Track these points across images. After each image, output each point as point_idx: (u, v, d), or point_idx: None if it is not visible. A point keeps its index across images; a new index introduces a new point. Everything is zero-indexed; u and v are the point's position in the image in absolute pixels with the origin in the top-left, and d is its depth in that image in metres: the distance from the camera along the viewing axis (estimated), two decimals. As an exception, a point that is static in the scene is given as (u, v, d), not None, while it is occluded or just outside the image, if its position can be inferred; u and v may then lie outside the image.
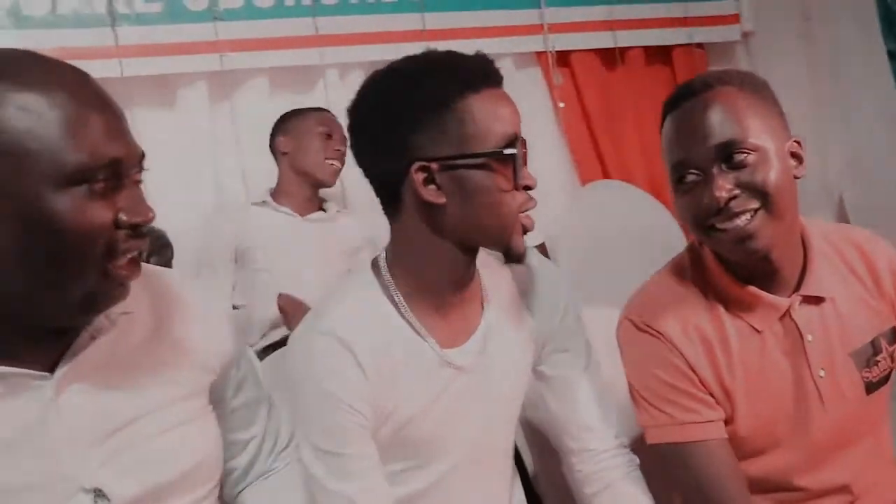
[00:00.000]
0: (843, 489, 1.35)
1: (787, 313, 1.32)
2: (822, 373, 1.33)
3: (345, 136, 2.51)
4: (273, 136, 2.57)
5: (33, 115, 0.86)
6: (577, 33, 3.10)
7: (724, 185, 1.21)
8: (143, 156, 0.94)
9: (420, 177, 1.12)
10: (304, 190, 2.49)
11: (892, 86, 3.44)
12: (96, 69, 2.31)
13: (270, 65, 2.68)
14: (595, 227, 2.86)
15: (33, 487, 0.94)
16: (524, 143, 1.17)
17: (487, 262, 1.30)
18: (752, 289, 1.31)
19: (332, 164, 2.47)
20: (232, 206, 2.59)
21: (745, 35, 3.44)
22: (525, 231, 1.17)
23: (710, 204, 1.22)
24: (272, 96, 2.71)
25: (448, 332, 1.23)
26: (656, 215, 2.95)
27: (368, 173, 1.20)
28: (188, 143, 2.63)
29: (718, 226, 1.23)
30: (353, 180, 2.65)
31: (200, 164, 2.65)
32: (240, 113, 2.68)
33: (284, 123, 2.56)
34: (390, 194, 1.18)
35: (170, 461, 1.03)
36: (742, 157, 1.22)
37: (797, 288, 1.32)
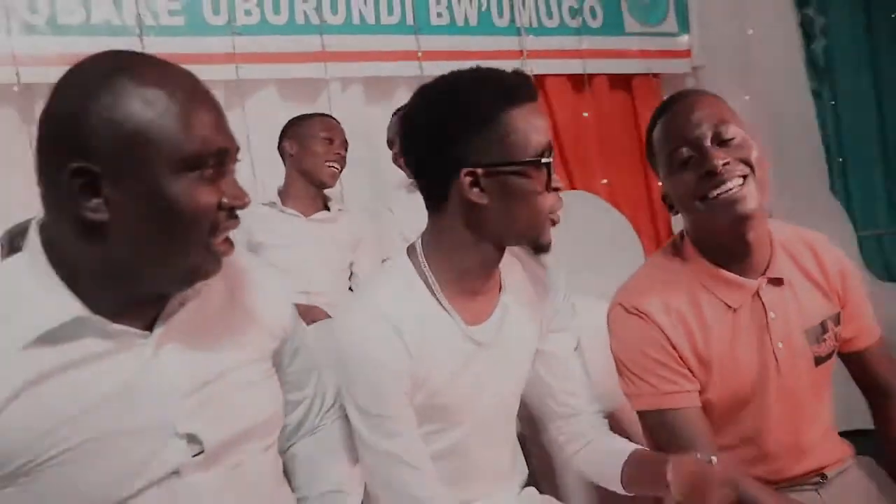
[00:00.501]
0: (794, 447, 1.46)
1: (756, 293, 1.44)
2: (780, 345, 1.44)
3: (345, 141, 2.63)
4: (281, 139, 2.65)
5: (156, 109, 0.90)
6: (551, 59, 3.29)
7: (718, 154, 1.33)
8: (238, 148, 0.99)
9: (467, 181, 1.19)
10: (308, 190, 2.57)
11: (815, 121, 3.76)
12: None
13: (280, 76, 2.83)
14: (562, 233, 3.13)
15: (137, 433, 0.98)
16: (552, 150, 1.24)
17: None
18: (727, 272, 1.43)
19: (331, 167, 2.55)
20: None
21: (695, 69, 3.67)
22: (553, 225, 1.26)
23: (707, 169, 1.33)
24: (280, 105, 2.84)
25: (472, 312, 1.30)
26: (615, 223, 3.07)
27: (417, 174, 1.27)
28: None
29: (712, 194, 1.35)
30: (351, 182, 2.77)
31: None
32: (251, 118, 2.77)
33: (291, 128, 2.64)
34: (437, 194, 1.25)
35: (246, 414, 1.08)
36: (729, 137, 1.35)
37: (764, 272, 1.44)
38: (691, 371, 1.42)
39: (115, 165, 0.89)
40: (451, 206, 1.24)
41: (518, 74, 1.24)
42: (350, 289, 2.64)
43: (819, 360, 1.47)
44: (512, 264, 1.39)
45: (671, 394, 1.41)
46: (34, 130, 2.40)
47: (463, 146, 1.19)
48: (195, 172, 0.93)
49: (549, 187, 1.21)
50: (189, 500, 1.00)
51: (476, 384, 1.31)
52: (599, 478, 1.42)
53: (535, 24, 3.28)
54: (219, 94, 2.62)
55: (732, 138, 1.36)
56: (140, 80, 0.90)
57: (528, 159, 1.19)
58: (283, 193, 2.61)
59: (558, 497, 1.53)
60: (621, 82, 3.48)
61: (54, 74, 2.50)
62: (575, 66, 3.34)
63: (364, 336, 1.21)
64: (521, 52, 3.21)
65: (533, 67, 3.19)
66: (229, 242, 1.00)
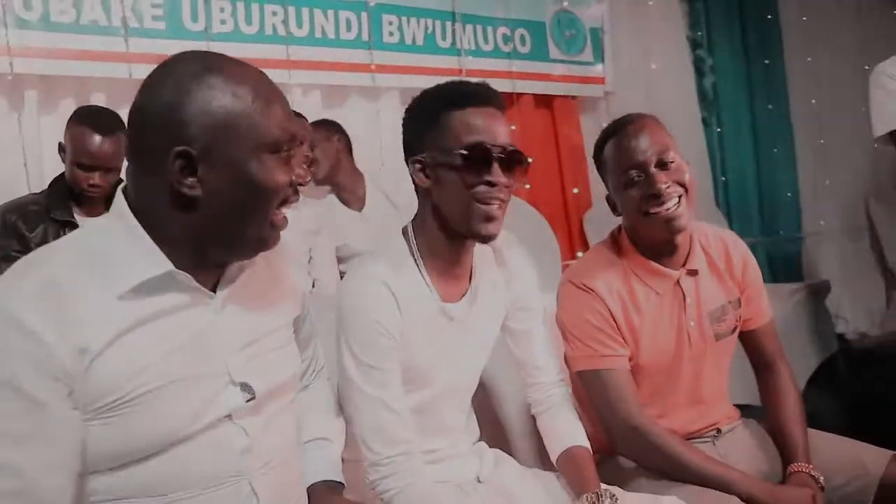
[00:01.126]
0: (696, 405, 1.64)
1: (677, 281, 1.59)
2: (692, 324, 1.60)
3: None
4: None
5: (244, 102, 0.97)
6: (486, 78, 3.25)
7: (660, 178, 1.47)
8: (304, 134, 1.09)
9: (416, 167, 1.33)
10: None
11: (704, 144, 4.10)
12: (109, 70, 2.69)
13: None
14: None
15: (203, 379, 1.03)
16: (504, 149, 1.29)
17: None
18: (656, 264, 1.58)
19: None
20: None
21: (607, 93, 3.94)
22: (489, 219, 1.30)
23: (654, 192, 1.47)
24: None
25: (447, 290, 1.39)
26: (536, 223, 3.31)
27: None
28: None
29: (653, 210, 1.49)
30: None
31: None
32: None
33: None
34: (413, 182, 1.36)
35: (283, 368, 1.15)
36: (670, 163, 1.49)
37: (684, 264, 1.59)
38: (624, 339, 1.56)
39: (210, 149, 0.95)
40: (419, 192, 1.38)
41: (477, 85, 1.34)
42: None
43: (719, 337, 1.63)
44: (483, 251, 1.47)
45: (607, 356, 1.54)
46: (22, 118, 2.61)
47: (417, 139, 1.33)
48: (275, 155, 1.00)
49: (478, 180, 1.28)
50: (240, 441, 1.05)
51: (445, 353, 1.39)
52: (546, 443, 1.53)
53: (472, 47, 3.50)
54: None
55: (672, 162, 1.49)
56: (229, 77, 0.97)
57: (456, 152, 1.28)
58: None
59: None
60: (544, 102, 3.69)
61: (43, 66, 2.69)
62: (505, 86, 3.54)
63: (365, 297, 1.30)
64: (461, 70, 3.41)
65: None
66: (285, 217, 1.07)
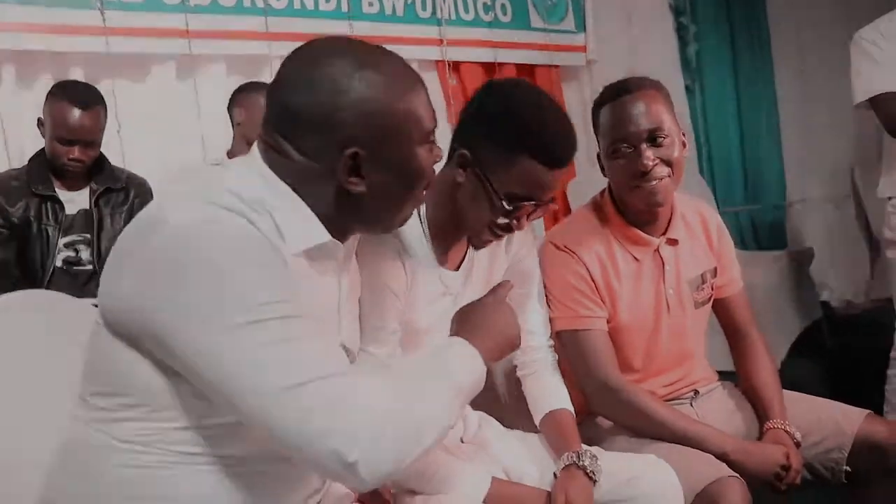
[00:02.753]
0: (675, 368, 1.69)
1: (657, 249, 1.63)
2: (671, 291, 1.64)
3: None
4: (230, 106, 2.73)
5: (403, 98, 1.00)
6: (467, 48, 3.51)
7: (649, 157, 1.49)
8: None
9: (459, 158, 1.35)
10: None
11: (687, 112, 4.08)
12: (86, 44, 2.70)
13: (228, 52, 2.96)
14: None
15: (328, 332, 1.08)
16: (538, 206, 1.34)
17: None
18: (637, 231, 1.61)
19: None
20: (194, 165, 2.79)
21: (589, 62, 3.92)
22: (488, 242, 1.40)
23: (639, 169, 1.50)
24: (228, 78, 2.97)
25: (446, 257, 1.43)
26: None
27: None
28: (158, 111, 2.85)
29: (639, 184, 1.52)
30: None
31: (167, 129, 2.86)
32: (201, 89, 2.92)
33: (238, 96, 2.71)
34: (448, 156, 1.37)
35: (355, 341, 1.23)
36: (661, 139, 1.50)
37: (664, 233, 1.63)
38: (602, 301, 1.60)
39: (376, 148, 0.99)
40: (446, 172, 1.38)
41: (565, 145, 1.35)
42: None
43: (698, 304, 1.69)
44: None
45: (585, 317, 1.58)
46: (1, 93, 2.61)
47: (481, 142, 1.35)
48: (427, 143, 1.05)
49: (504, 221, 1.35)
50: None
51: (440, 316, 1.39)
52: (530, 405, 1.57)
53: (453, 17, 3.48)
54: (172, 67, 2.90)
55: (664, 139, 1.51)
56: (385, 74, 0.99)
57: (503, 192, 1.32)
58: (231, 156, 2.68)
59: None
60: (526, 71, 3.67)
61: (20, 41, 2.68)
62: (487, 55, 3.54)
63: (383, 266, 1.33)
64: (441, 40, 3.41)
65: (451, 54, 3.44)
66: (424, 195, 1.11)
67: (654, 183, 1.52)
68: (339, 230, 1.05)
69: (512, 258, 1.55)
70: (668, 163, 1.52)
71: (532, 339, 1.58)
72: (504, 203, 1.30)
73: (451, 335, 1.14)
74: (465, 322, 1.17)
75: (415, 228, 1.37)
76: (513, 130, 1.30)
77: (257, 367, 0.89)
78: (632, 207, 1.60)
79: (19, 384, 1.17)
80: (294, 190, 1.00)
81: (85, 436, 0.99)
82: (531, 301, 1.58)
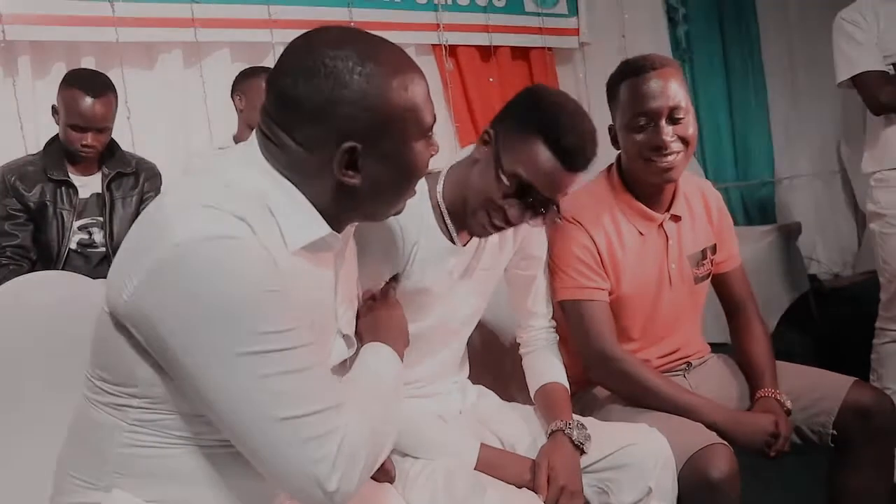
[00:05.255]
0: (671, 341, 1.71)
1: (661, 224, 1.64)
2: (673, 266, 1.66)
3: None
4: (232, 92, 2.75)
5: (403, 93, 0.97)
6: (463, 32, 3.52)
7: (668, 133, 1.50)
8: None
9: (486, 135, 1.35)
10: None
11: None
12: (97, 34, 2.75)
13: (232, 40, 2.98)
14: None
15: (327, 331, 1.08)
16: (543, 199, 1.32)
17: None
18: (642, 206, 1.62)
19: None
20: (202, 149, 2.83)
21: (582, 45, 3.92)
22: (486, 230, 1.36)
23: (656, 144, 1.51)
24: (232, 65, 2.98)
25: (461, 237, 1.43)
26: None
27: None
28: (166, 98, 2.88)
29: (654, 159, 1.53)
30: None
31: (175, 115, 2.90)
32: (207, 76, 2.94)
33: (239, 83, 2.73)
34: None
35: (353, 326, 1.20)
36: (680, 117, 1.51)
37: (668, 209, 1.64)
38: (606, 273, 1.61)
39: (373, 143, 0.97)
40: (475, 151, 1.38)
41: (576, 134, 1.32)
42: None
43: (697, 280, 1.70)
44: None
45: (587, 288, 1.59)
46: (17, 83, 2.64)
47: (505, 121, 1.37)
48: (425, 138, 1.03)
49: (504, 205, 1.33)
50: None
51: (450, 290, 1.44)
52: (527, 380, 1.60)
53: (449, 2, 3.49)
54: (179, 55, 2.95)
55: (682, 118, 1.52)
56: (386, 68, 0.96)
57: (507, 169, 1.32)
58: (238, 140, 2.69)
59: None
60: (521, 54, 3.69)
61: (35, 32, 2.70)
62: (482, 39, 3.55)
63: (378, 233, 1.32)
64: (438, 25, 3.41)
65: (447, 38, 3.45)
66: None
67: (669, 158, 1.53)
68: (335, 220, 1.03)
69: (520, 243, 1.56)
70: (684, 140, 1.53)
71: (534, 319, 1.60)
72: (505, 180, 1.29)
73: (366, 343, 1.17)
74: (373, 329, 1.20)
75: (423, 202, 1.36)
76: (534, 112, 1.31)
77: (254, 397, 0.89)
78: (641, 181, 1.61)
79: (38, 359, 1.21)
80: (292, 182, 0.99)
81: (92, 414, 1.01)
82: (535, 283, 1.60)
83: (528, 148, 1.29)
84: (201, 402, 0.92)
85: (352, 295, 1.19)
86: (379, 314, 1.23)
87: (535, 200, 1.31)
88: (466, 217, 1.37)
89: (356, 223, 1.15)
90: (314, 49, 0.96)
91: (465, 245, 1.44)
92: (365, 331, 1.20)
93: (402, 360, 1.17)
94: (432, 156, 1.06)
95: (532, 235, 1.56)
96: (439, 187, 1.40)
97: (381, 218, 1.11)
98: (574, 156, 1.30)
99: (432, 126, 1.05)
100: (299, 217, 0.98)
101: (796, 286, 3.64)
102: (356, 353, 1.15)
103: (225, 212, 0.90)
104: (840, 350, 2.88)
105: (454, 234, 1.41)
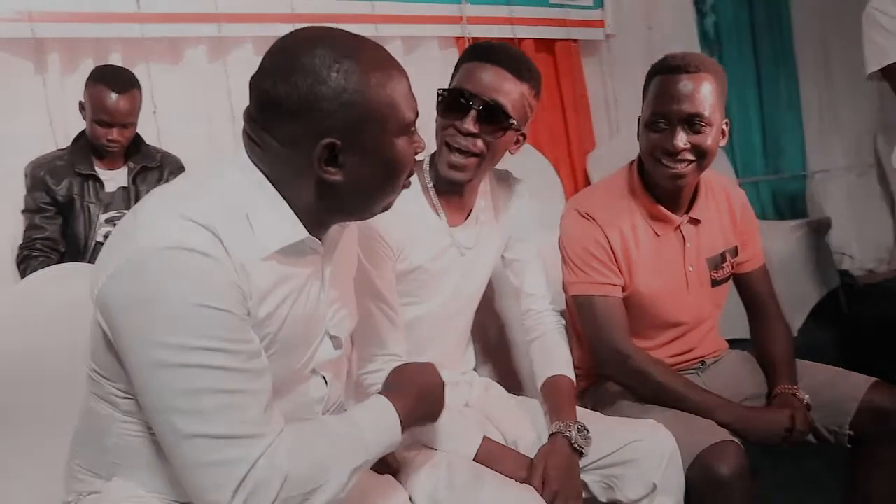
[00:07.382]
0: (686, 342, 1.71)
1: (678, 227, 1.64)
2: (691, 268, 1.66)
3: None
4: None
5: (381, 89, 0.98)
6: (486, 25, 3.48)
7: (682, 139, 1.49)
8: None
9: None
10: None
11: None
12: (123, 31, 2.77)
13: (256, 34, 2.97)
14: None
15: (311, 333, 1.09)
16: (483, 101, 1.37)
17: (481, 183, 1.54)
18: (660, 207, 1.61)
19: None
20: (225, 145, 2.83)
21: (608, 36, 3.90)
22: (452, 166, 1.40)
23: (667, 147, 1.50)
24: (255, 59, 2.93)
25: (451, 217, 1.49)
26: (536, 161, 3.38)
27: None
28: (190, 92, 2.90)
29: (665, 162, 1.53)
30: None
31: (200, 109, 2.92)
32: (231, 70, 2.96)
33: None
34: None
35: (353, 318, 1.23)
36: (699, 125, 1.49)
37: (687, 211, 1.64)
38: (620, 270, 1.62)
39: (352, 138, 0.97)
40: None
41: (498, 46, 1.46)
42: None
43: (715, 283, 1.70)
44: (483, 187, 1.56)
45: (601, 284, 1.60)
46: (47, 79, 2.69)
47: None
48: (406, 134, 1.04)
49: (449, 123, 1.40)
50: (320, 390, 1.14)
51: (446, 272, 1.48)
52: (534, 370, 1.60)
53: None
54: (203, 50, 2.97)
55: (703, 126, 1.50)
56: (364, 65, 0.97)
57: (441, 91, 1.43)
58: None
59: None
60: (545, 46, 3.68)
61: (63, 30, 2.74)
62: (506, 31, 3.52)
63: (375, 223, 1.31)
64: (462, 17, 3.41)
65: (471, 31, 3.43)
66: (409, 182, 1.11)
67: (679, 165, 1.52)
68: (320, 221, 1.04)
69: (509, 227, 1.60)
70: (698, 149, 1.52)
71: (534, 301, 1.62)
72: (443, 97, 1.36)
73: (380, 393, 1.16)
74: (397, 380, 1.21)
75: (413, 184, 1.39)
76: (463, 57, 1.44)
77: (170, 406, 0.91)
78: (655, 182, 1.61)
79: (67, 345, 1.24)
80: (274, 182, 1.00)
81: (92, 404, 1.06)
82: (530, 266, 1.63)
83: (458, 71, 1.42)
84: (138, 395, 0.95)
85: (346, 295, 1.20)
86: (411, 369, 1.24)
87: (474, 105, 1.36)
88: (460, 192, 1.44)
89: (348, 223, 1.16)
90: (293, 49, 0.97)
91: (458, 226, 1.49)
92: (391, 380, 1.22)
93: (407, 417, 1.12)
94: (418, 152, 1.07)
95: (521, 219, 1.60)
96: (425, 166, 1.45)
97: (369, 215, 1.11)
98: (494, 54, 1.40)
99: (414, 122, 1.05)
100: (275, 222, 1.00)
101: (826, 282, 3.61)
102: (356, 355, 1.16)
103: (193, 221, 0.92)
104: (868, 348, 2.84)
105: (443, 213, 1.46)
